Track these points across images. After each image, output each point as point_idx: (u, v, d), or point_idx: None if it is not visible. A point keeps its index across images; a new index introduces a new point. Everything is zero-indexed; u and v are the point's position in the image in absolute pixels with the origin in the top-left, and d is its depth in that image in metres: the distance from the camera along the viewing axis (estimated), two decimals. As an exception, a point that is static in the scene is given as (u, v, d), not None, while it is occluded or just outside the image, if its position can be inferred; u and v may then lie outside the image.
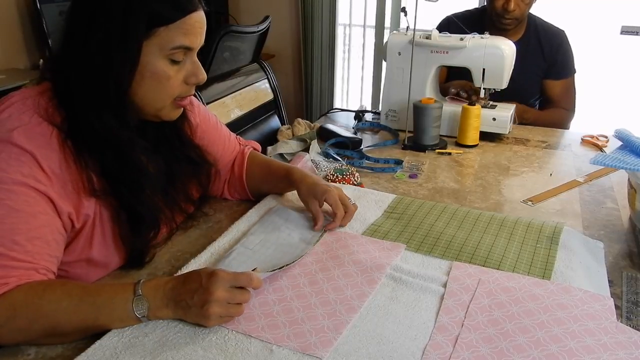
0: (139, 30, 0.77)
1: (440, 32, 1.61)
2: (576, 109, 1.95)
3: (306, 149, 1.47)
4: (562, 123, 1.89)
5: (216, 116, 1.15)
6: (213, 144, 1.08)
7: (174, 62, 0.81)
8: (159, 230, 0.91)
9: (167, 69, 0.81)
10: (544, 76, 1.90)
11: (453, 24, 1.84)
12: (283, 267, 0.84)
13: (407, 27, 1.62)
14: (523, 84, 1.83)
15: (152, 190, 0.88)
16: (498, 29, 1.78)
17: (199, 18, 0.82)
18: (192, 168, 1.00)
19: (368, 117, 1.85)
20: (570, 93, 1.92)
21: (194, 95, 1.49)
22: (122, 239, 0.87)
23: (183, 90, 0.85)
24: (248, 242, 0.95)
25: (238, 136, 1.20)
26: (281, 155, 1.43)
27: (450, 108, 1.64)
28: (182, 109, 0.90)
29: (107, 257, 0.87)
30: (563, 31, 1.88)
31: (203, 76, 0.85)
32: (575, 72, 1.91)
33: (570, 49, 1.88)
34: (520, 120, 1.79)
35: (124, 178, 0.83)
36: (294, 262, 0.87)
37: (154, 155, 0.91)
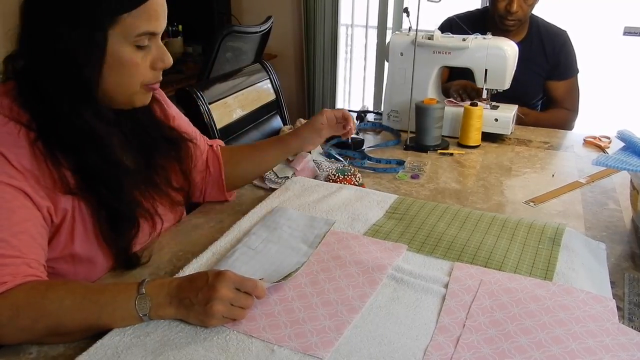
0: (103, 19, 0.76)
1: (442, 32, 1.61)
2: (579, 109, 1.94)
3: (308, 149, 1.47)
4: (564, 124, 1.88)
5: (181, 114, 1.15)
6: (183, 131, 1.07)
7: (140, 47, 0.81)
8: (138, 227, 0.90)
9: (133, 56, 0.81)
10: (547, 77, 1.89)
11: (455, 25, 1.84)
12: (287, 277, 0.84)
13: (410, 28, 1.62)
14: (525, 85, 1.82)
15: (130, 185, 0.87)
16: (500, 30, 1.78)
17: (160, 1, 0.81)
18: (171, 147, 0.99)
19: (370, 117, 1.85)
20: (573, 93, 1.91)
21: (196, 93, 1.51)
22: (102, 237, 0.86)
23: (151, 76, 0.85)
24: (250, 242, 0.95)
25: (206, 138, 1.19)
26: (283, 155, 1.43)
27: (452, 109, 1.64)
28: (152, 92, 0.90)
29: (90, 253, 0.86)
30: (565, 32, 1.88)
31: (169, 60, 0.85)
32: (578, 72, 1.90)
33: (572, 49, 1.88)
34: (520, 122, 1.79)
35: (100, 176, 0.82)
36: (297, 270, 0.87)
37: (131, 146, 0.92)
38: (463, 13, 1.97)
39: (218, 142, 1.21)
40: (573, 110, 1.93)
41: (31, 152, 0.77)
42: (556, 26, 1.89)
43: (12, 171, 0.75)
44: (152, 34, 0.81)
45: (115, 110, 0.88)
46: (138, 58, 0.81)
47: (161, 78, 0.88)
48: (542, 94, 1.96)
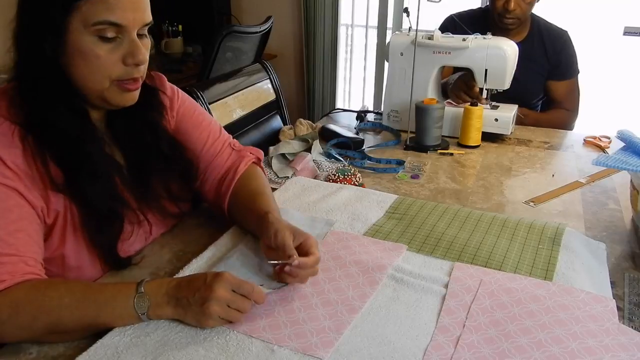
0: (61, 6, 0.75)
1: (442, 31, 1.61)
2: (580, 110, 1.94)
3: (308, 149, 1.47)
4: (564, 124, 1.88)
5: (207, 116, 1.08)
6: (192, 141, 1.02)
7: (104, 39, 0.77)
8: (121, 224, 0.88)
9: (94, 47, 0.77)
10: (547, 77, 1.89)
11: (457, 24, 1.83)
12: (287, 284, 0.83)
13: (410, 28, 1.62)
14: (526, 84, 1.82)
15: (110, 179, 0.86)
16: (500, 29, 1.77)
17: None
18: (166, 163, 0.96)
19: (370, 117, 1.86)
20: (574, 94, 1.91)
21: (196, 93, 1.50)
22: (88, 234, 0.85)
23: (122, 72, 0.80)
24: (250, 243, 0.95)
25: (236, 143, 1.09)
26: (283, 155, 1.43)
27: (452, 108, 1.64)
28: (133, 93, 0.84)
29: (79, 256, 0.85)
30: (566, 32, 1.88)
31: (141, 57, 0.80)
32: (579, 72, 1.90)
33: (573, 49, 1.88)
34: (519, 122, 1.78)
35: (77, 169, 0.81)
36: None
37: (120, 146, 0.91)
38: (464, 11, 1.97)
39: (253, 155, 1.08)
40: (573, 110, 1.93)
41: (25, 152, 0.77)
42: (557, 26, 1.89)
43: (7, 171, 0.75)
44: (117, 25, 0.77)
45: (110, 111, 0.87)
46: (101, 50, 0.78)
47: (136, 75, 0.82)
48: (543, 94, 1.95)
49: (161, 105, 0.97)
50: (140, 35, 0.82)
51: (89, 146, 0.83)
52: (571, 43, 1.87)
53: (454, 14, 1.93)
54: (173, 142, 0.98)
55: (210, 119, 1.08)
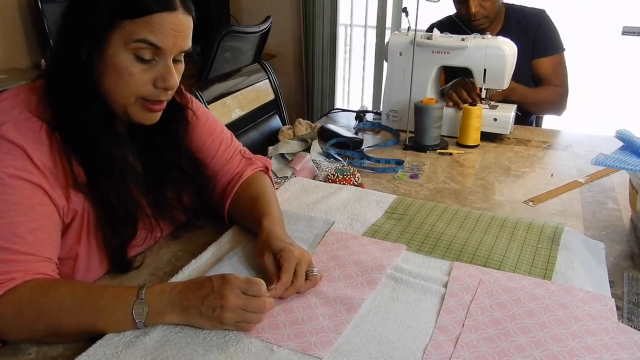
0: (101, 20, 0.76)
1: (440, 30, 1.61)
2: (569, 87, 1.88)
3: (307, 149, 1.47)
4: (554, 99, 1.85)
5: (220, 124, 1.09)
6: (206, 148, 1.04)
7: (141, 59, 0.79)
8: (135, 228, 0.88)
9: (129, 64, 0.79)
10: (531, 57, 1.86)
11: (445, 26, 1.82)
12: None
13: (409, 28, 1.63)
14: (515, 73, 1.80)
15: (129, 184, 0.86)
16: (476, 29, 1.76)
17: (172, 20, 0.78)
18: (184, 178, 0.97)
19: (369, 117, 1.86)
20: (559, 70, 1.86)
21: (195, 93, 1.50)
22: (102, 234, 0.85)
23: (150, 93, 0.82)
24: (250, 245, 0.95)
25: (246, 151, 1.11)
26: (282, 155, 1.43)
27: (451, 108, 1.64)
28: (156, 113, 0.86)
29: (89, 257, 0.86)
30: (543, 10, 1.86)
31: (173, 82, 0.82)
32: (564, 49, 1.86)
33: (553, 25, 1.85)
34: (504, 98, 1.73)
35: (100, 169, 0.82)
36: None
37: (140, 156, 0.92)
38: (455, 14, 1.96)
39: (261, 164, 1.10)
40: (562, 86, 1.87)
41: (51, 149, 0.78)
42: (532, 7, 1.87)
43: (32, 168, 0.75)
44: (155, 47, 0.78)
45: (133, 124, 0.88)
46: (135, 68, 0.79)
47: (163, 98, 0.84)
48: (530, 75, 1.93)
49: (187, 122, 0.97)
50: (175, 61, 0.83)
51: (113, 149, 0.84)
52: (549, 19, 1.85)
53: (452, 15, 1.93)
54: (194, 159, 0.99)
55: (222, 127, 1.10)
